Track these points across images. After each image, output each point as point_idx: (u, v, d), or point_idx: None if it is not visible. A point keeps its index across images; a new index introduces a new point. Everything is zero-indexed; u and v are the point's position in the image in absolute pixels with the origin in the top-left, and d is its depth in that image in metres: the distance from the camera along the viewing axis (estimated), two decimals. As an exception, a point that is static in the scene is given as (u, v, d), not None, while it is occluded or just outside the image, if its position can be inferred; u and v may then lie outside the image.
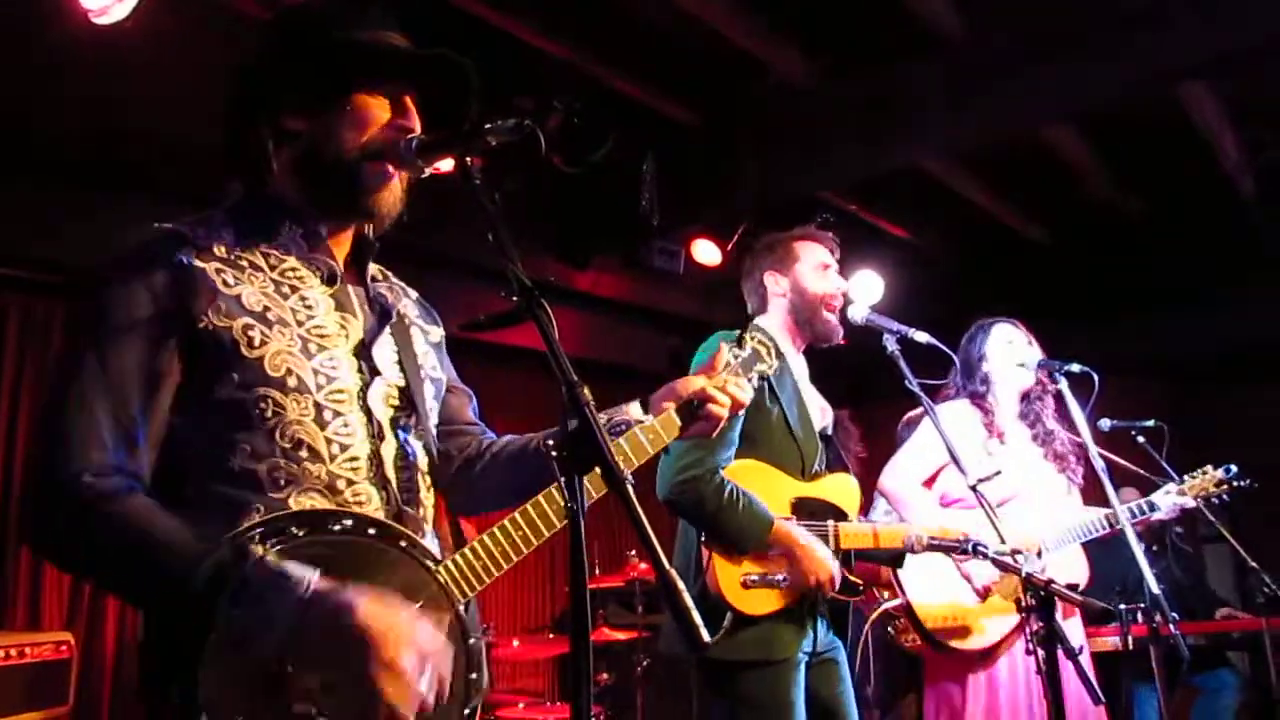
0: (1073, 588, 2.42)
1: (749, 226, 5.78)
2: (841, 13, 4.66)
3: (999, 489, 3.22)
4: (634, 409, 1.84)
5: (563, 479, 1.28)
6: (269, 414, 1.48)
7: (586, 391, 1.31)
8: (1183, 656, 3.05)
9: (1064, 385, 3.42)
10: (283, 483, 1.48)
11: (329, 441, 1.52)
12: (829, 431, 3.14)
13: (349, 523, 1.47)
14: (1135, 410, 4.10)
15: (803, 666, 2.79)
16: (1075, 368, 3.47)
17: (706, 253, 6.06)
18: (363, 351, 1.61)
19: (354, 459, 1.54)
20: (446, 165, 1.56)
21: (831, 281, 3.09)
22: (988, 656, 3.39)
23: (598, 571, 5.62)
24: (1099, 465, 3.30)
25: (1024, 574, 2.46)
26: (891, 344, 3.01)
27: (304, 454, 1.49)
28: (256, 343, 1.48)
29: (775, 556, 2.75)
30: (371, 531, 1.49)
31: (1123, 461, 3.55)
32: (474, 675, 1.54)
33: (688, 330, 6.75)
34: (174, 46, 3.69)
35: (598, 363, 6.44)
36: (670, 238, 5.90)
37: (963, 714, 3.38)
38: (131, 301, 1.45)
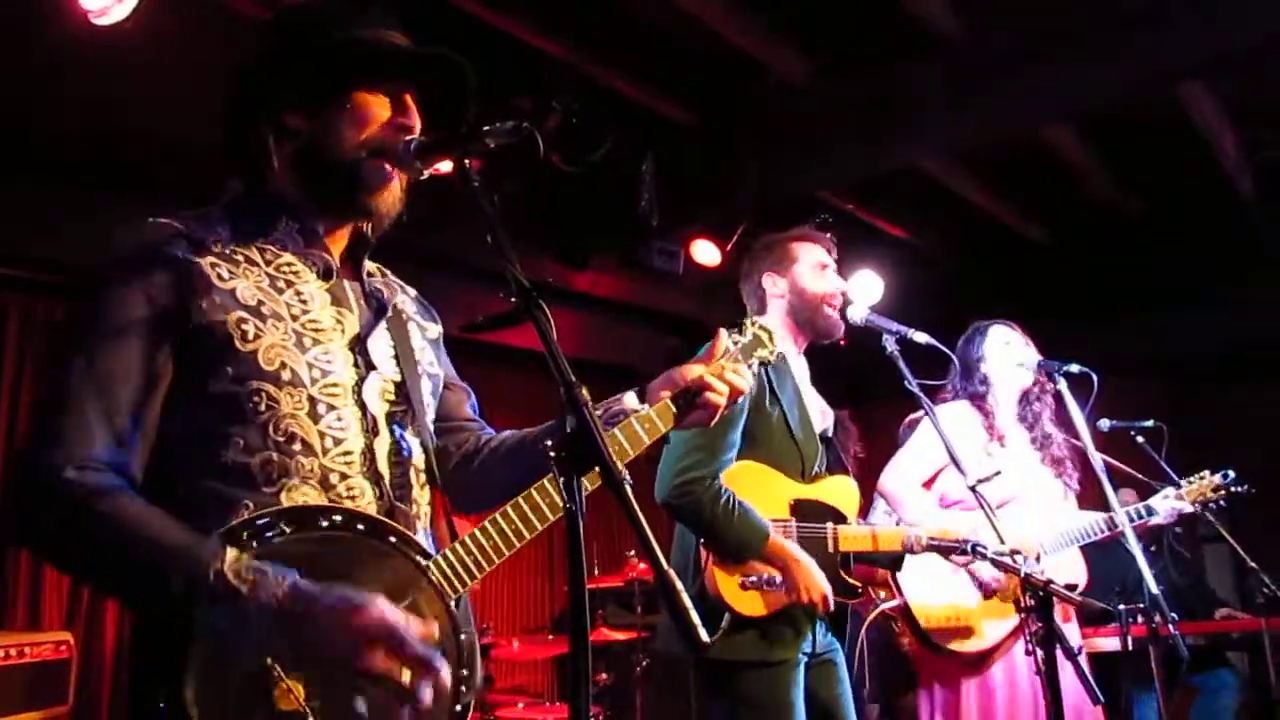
0: (1071, 589, 2.42)
1: (748, 227, 5.78)
2: (840, 13, 4.66)
3: (998, 491, 3.22)
4: (630, 399, 1.81)
5: (561, 480, 1.27)
6: (262, 407, 1.48)
7: (585, 392, 1.31)
8: (1182, 657, 3.05)
9: (1063, 386, 3.43)
10: (275, 476, 1.47)
11: (322, 435, 1.51)
12: (830, 434, 3.14)
13: (338, 518, 1.46)
14: (1135, 410, 4.10)
15: (802, 667, 2.78)
16: (1074, 368, 3.48)
17: (706, 253, 6.06)
18: (358, 346, 1.61)
19: (347, 453, 1.53)
20: (445, 166, 1.56)
21: (830, 281, 3.09)
22: (985, 659, 3.39)
23: (597, 571, 5.62)
24: (1098, 466, 3.30)
25: (1023, 574, 2.46)
26: (891, 344, 3.01)
27: (297, 447, 1.49)
28: (250, 336, 1.48)
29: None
30: (361, 527, 1.48)
31: (1118, 464, 3.55)
32: (465, 671, 1.53)
33: (687, 330, 6.76)
34: (174, 46, 3.69)
35: (597, 363, 6.44)
36: (669, 238, 5.90)
37: (959, 716, 3.38)
38: (125, 303, 1.45)
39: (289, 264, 1.59)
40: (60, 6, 3.36)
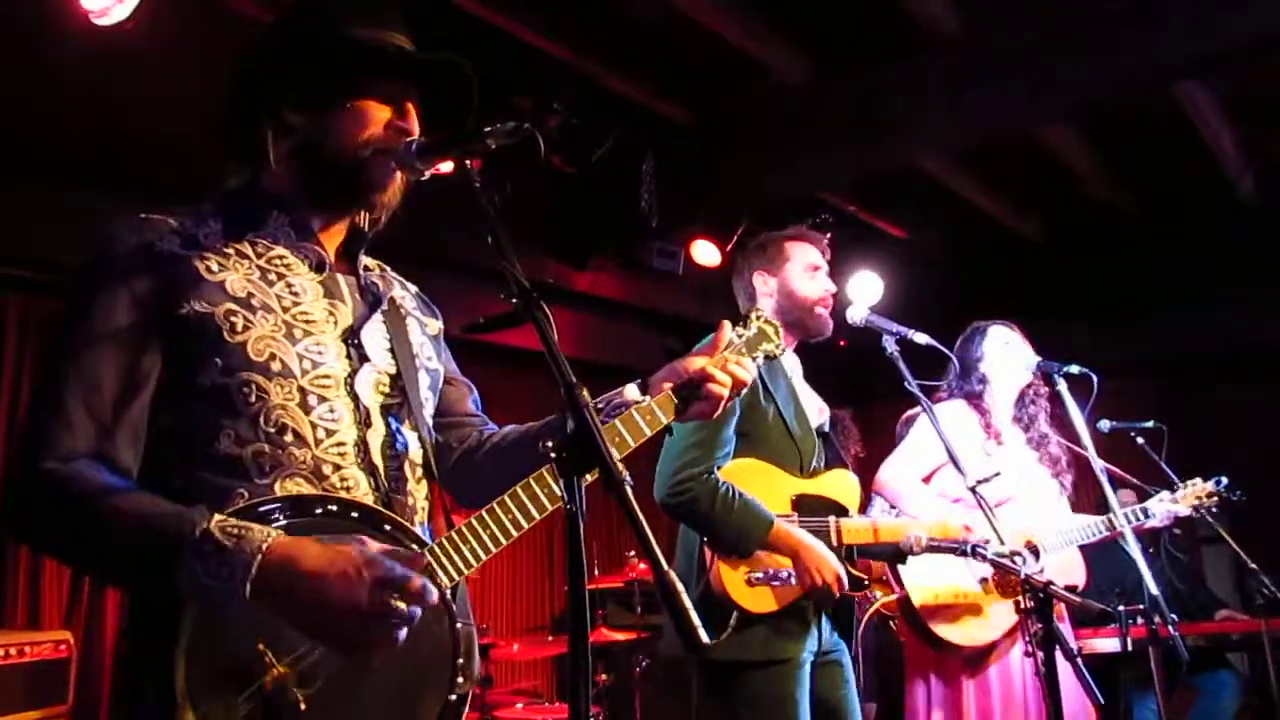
0: (1070, 590, 2.42)
1: (748, 227, 5.79)
2: (840, 13, 4.67)
3: (997, 490, 3.22)
4: (632, 390, 1.80)
5: (562, 480, 1.27)
6: (252, 399, 1.47)
7: (585, 393, 1.31)
8: (1182, 658, 3.05)
9: (1063, 387, 3.43)
10: (267, 468, 1.47)
11: (314, 426, 1.51)
12: (826, 428, 3.13)
13: (333, 507, 1.47)
14: (1135, 411, 4.11)
15: (807, 666, 2.78)
16: (1074, 369, 3.48)
17: (706, 253, 6.06)
18: (351, 338, 1.60)
19: (340, 444, 1.53)
20: (446, 167, 1.56)
21: (819, 283, 3.08)
22: (983, 658, 3.39)
23: (597, 572, 5.62)
24: (1098, 467, 3.31)
25: (1022, 575, 2.46)
26: (891, 345, 3.02)
27: (289, 439, 1.49)
28: (239, 328, 1.48)
29: (778, 556, 2.75)
30: (355, 515, 1.48)
31: (1113, 467, 3.55)
32: (462, 661, 1.52)
33: (686, 331, 6.75)
34: (175, 47, 3.69)
35: (596, 363, 6.44)
36: (669, 238, 5.90)
37: (960, 711, 3.38)
38: (113, 303, 1.45)
39: (280, 256, 1.59)
40: (61, 7, 3.36)
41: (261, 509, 1.41)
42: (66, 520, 1.38)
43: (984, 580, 3.38)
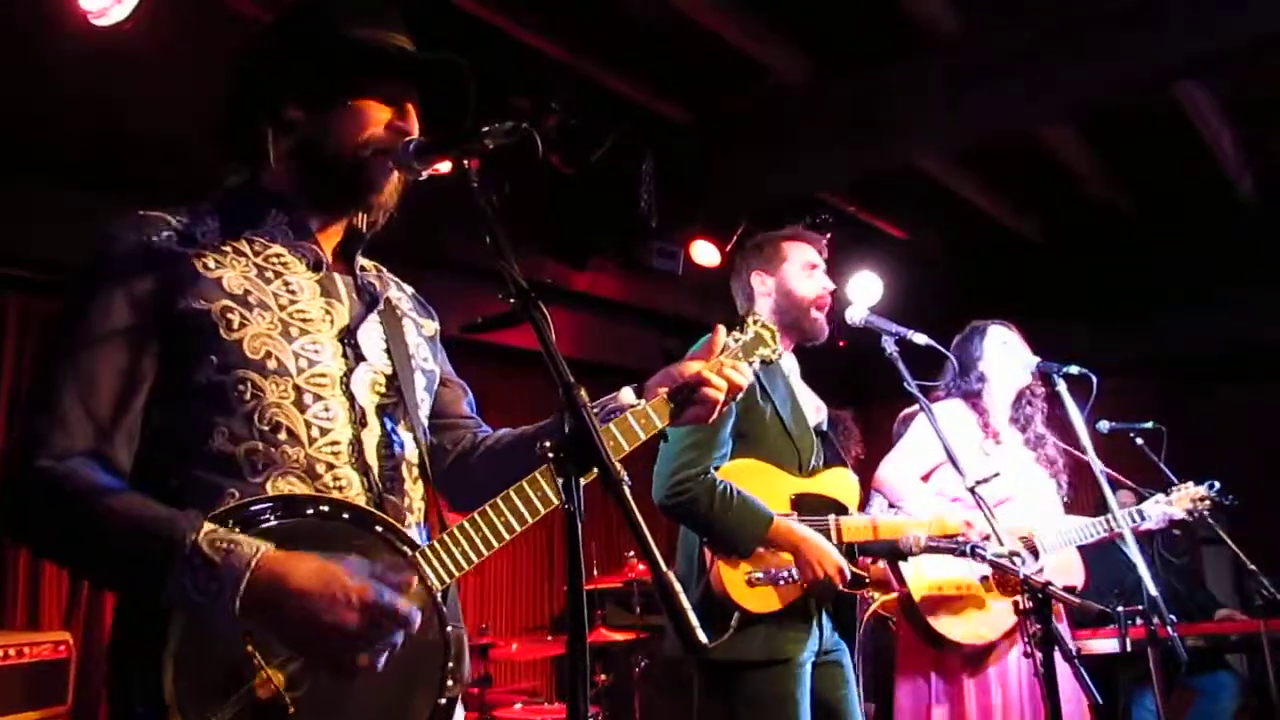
0: (1069, 590, 2.42)
1: (747, 227, 5.78)
2: (839, 13, 4.66)
3: (996, 490, 3.22)
4: (627, 394, 1.80)
5: (560, 481, 1.27)
6: (248, 396, 1.47)
7: (583, 393, 1.31)
8: (1180, 659, 3.05)
9: (1062, 387, 3.43)
10: (260, 466, 1.47)
11: (308, 425, 1.51)
12: (824, 427, 3.13)
13: (325, 508, 1.46)
14: (1134, 411, 4.10)
15: (808, 666, 2.78)
16: (1074, 369, 3.49)
17: (705, 253, 6.06)
18: (347, 337, 1.60)
19: (334, 443, 1.53)
20: (444, 167, 1.56)
21: (817, 282, 3.08)
22: (983, 658, 3.38)
23: (596, 572, 5.62)
24: (1097, 468, 3.31)
25: (1021, 576, 2.46)
26: (890, 345, 3.02)
27: (282, 437, 1.49)
28: (235, 325, 1.48)
29: (779, 553, 2.75)
30: (346, 516, 1.48)
31: (1110, 470, 3.55)
32: (452, 665, 1.52)
33: (686, 331, 6.74)
34: (175, 47, 3.69)
35: (596, 363, 6.44)
36: (669, 238, 5.90)
37: (962, 708, 3.37)
38: (110, 302, 1.45)
39: (278, 255, 1.59)
40: (60, 7, 3.35)
41: (251, 508, 1.41)
42: (59, 522, 1.39)
43: (985, 578, 3.38)
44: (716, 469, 2.78)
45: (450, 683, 1.52)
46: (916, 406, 2.96)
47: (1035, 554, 3.41)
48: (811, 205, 5.66)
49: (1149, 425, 3.96)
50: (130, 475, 1.46)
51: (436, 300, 1.92)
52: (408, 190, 1.67)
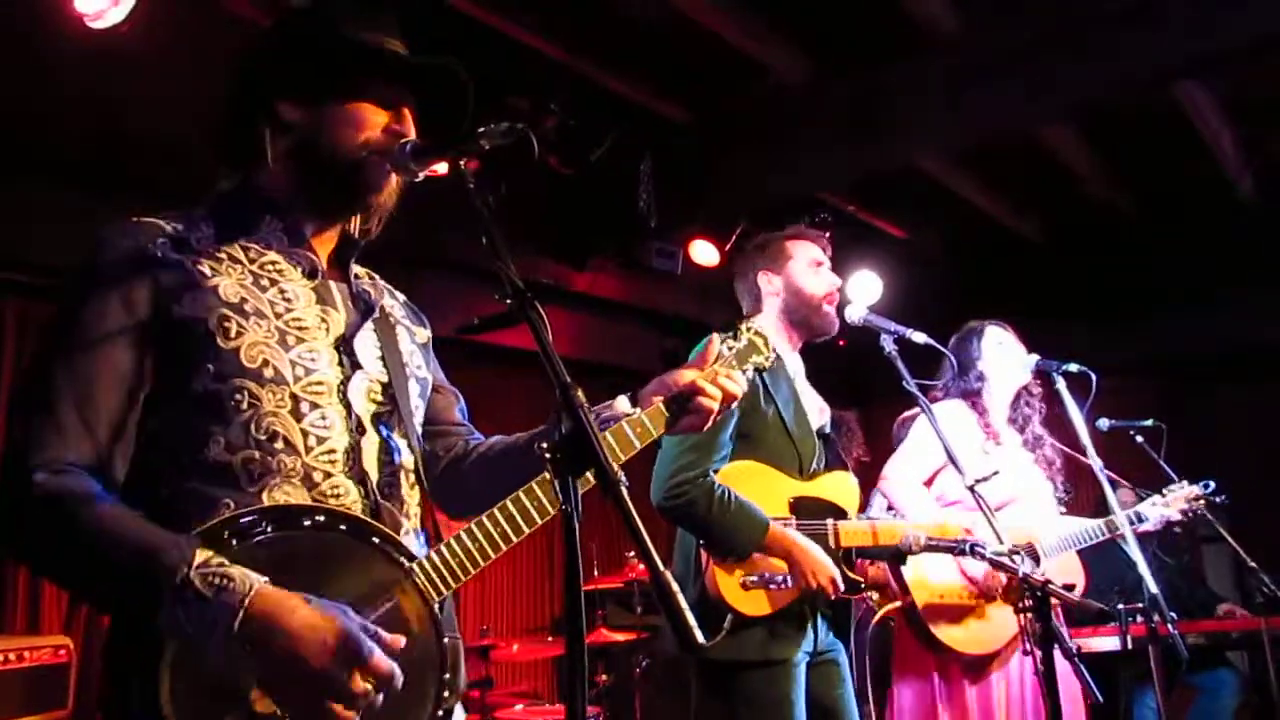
0: (1068, 589, 2.42)
1: (747, 227, 5.78)
2: (839, 13, 4.66)
3: (998, 492, 3.22)
4: (622, 403, 1.81)
5: (557, 481, 1.27)
6: (244, 405, 1.47)
7: (580, 393, 1.31)
8: (1181, 656, 3.05)
9: (1062, 386, 3.43)
10: (257, 475, 1.46)
11: (305, 434, 1.50)
12: (827, 430, 3.13)
13: (321, 518, 1.45)
14: (1135, 411, 4.11)
15: (803, 667, 2.78)
16: (1073, 368, 3.49)
17: (704, 253, 6.06)
18: (343, 345, 1.60)
19: (331, 451, 1.52)
20: (441, 168, 1.56)
21: (824, 278, 3.10)
22: (986, 664, 3.38)
23: (596, 572, 5.62)
24: (1097, 467, 3.31)
25: (1020, 574, 2.46)
26: (889, 344, 3.02)
27: (279, 446, 1.48)
28: (232, 334, 1.48)
29: (774, 559, 2.75)
30: (343, 527, 1.47)
31: (1105, 472, 3.55)
32: (449, 675, 1.52)
33: (685, 331, 6.76)
34: (174, 48, 3.69)
35: (595, 363, 6.44)
36: (668, 238, 5.89)
37: (964, 709, 3.37)
38: (105, 309, 1.45)
39: (273, 262, 1.59)
40: (56, 9, 3.35)
41: (245, 520, 1.40)
42: (53, 545, 1.38)
43: (977, 589, 3.38)
44: (716, 471, 2.78)
45: (447, 694, 1.52)
46: (916, 409, 2.96)
47: (1036, 560, 3.40)
48: (811, 205, 5.66)
49: (1149, 423, 3.96)
50: (125, 482, 1.45)
51: (434, 301, 1.92)
52: (405, 192, 1.67)
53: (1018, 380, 3.69)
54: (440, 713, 1.50)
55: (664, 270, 5.95)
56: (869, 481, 3.60)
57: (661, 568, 1.20)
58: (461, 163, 1.47)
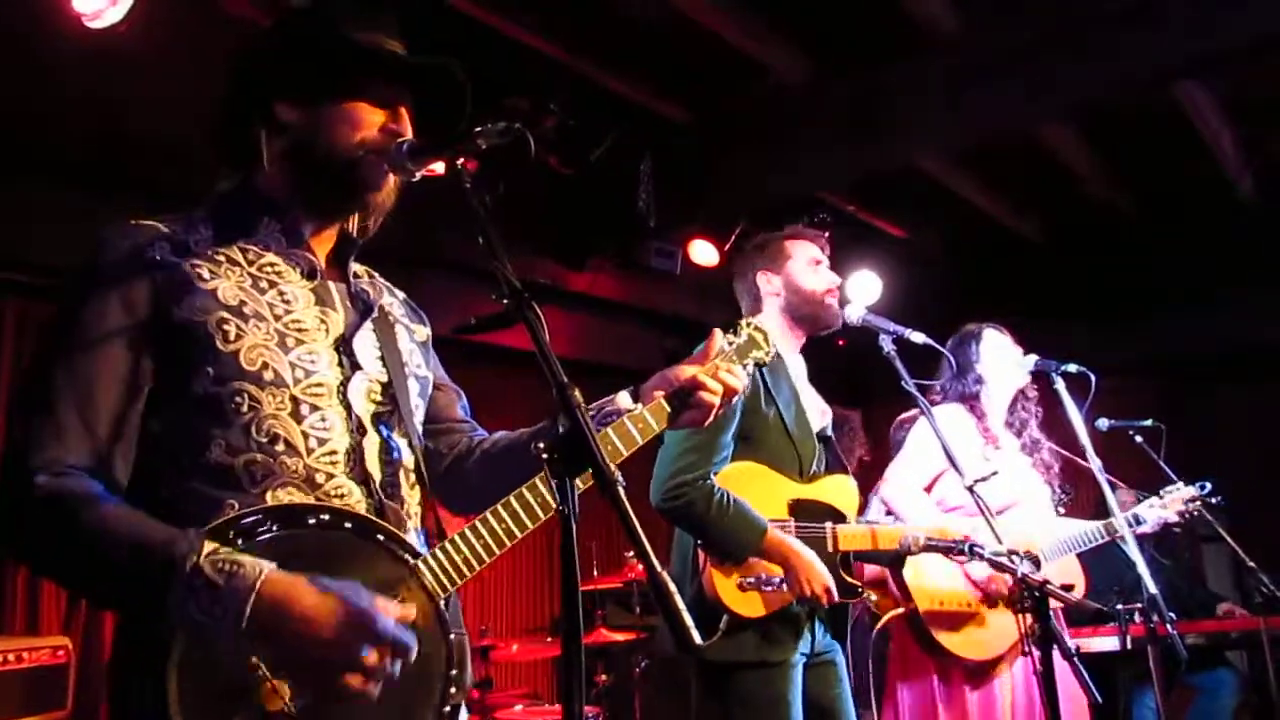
0: (1067, 589, 2.42)
1: (746, 227, 5.78)
2: (839, 12, 4.66)
3: (997, 496, 3.21)
4: (624, 398, 1.81)
5: (554, 482, 1.27)
6: (244, 408, 1.47)
7: (577, 393, 1.31)
8: (1180, 656, 3.05)
9: (1061, 386, 3.43)
10: (259, 477, 1.47)
11: (306, 435, 1.50)
12: (828, 432, 3.13)
13: (326, 517, 1.46)
14: (1135, 411, 4.11)
15: (800, 668, 2.78)
16: (1072, 368, 3.49)
17: (704, 253, 6.06)
18: (343, 346, 1.60)
19: (332, 453, 1.53)
20: (438, 168, 1.56)
21: (824, 276, 3.10)
22: (988, 670, 3.37)
23: (596, 572, 5.61)
24: (1097, 467, 3.31)
25: (1019, 575, 2.46)
26: (888, 345, 3.02)
27: (280, 448, 1.48)
28: (232, 337, 1.48)
29: (771, 562, 2.75)
30: (348, 525, 1.47)
31: (1104, 474, 3.55)
32: (455, 672, 1.52)
33: (685, 331, 6.76)
34: (175, 48, 3.69)
35: (594, 363, 6.44)
36: (667, 238, 5.89)
37: (964, 714, 3.37)
38: (104, 310, 1.45)
39: (272, 264, 1.59)
40: (55, 9, 3.35)
41: (250, 519, 1.41)
42: (55, 543, 1.38)
43: (979, 593, 3.38)
44: (716, 473, 2.78)
45: (454, 690, 1.52)
46: (913, 411, 2.96)
47: (1037, 564, 3.40)
48: (811, 205, 5.66)
49: (1148, 423, 3.96)
50: (127, 483, 1.45)
51: (432, 300, 1.92)
52: (403, 192, 1.67)
53: (1016, 384, 3.69)
54: (447, 709, 1.51)
55: (663, 270, 5.95)
56: (870, 484, 3.60)
57: (659, 568, 1.20)
58: (459, 162, 1.48)
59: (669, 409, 1.76)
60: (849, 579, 2.84)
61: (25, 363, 4.82)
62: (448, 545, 1.55)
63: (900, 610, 3.40)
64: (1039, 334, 3.86)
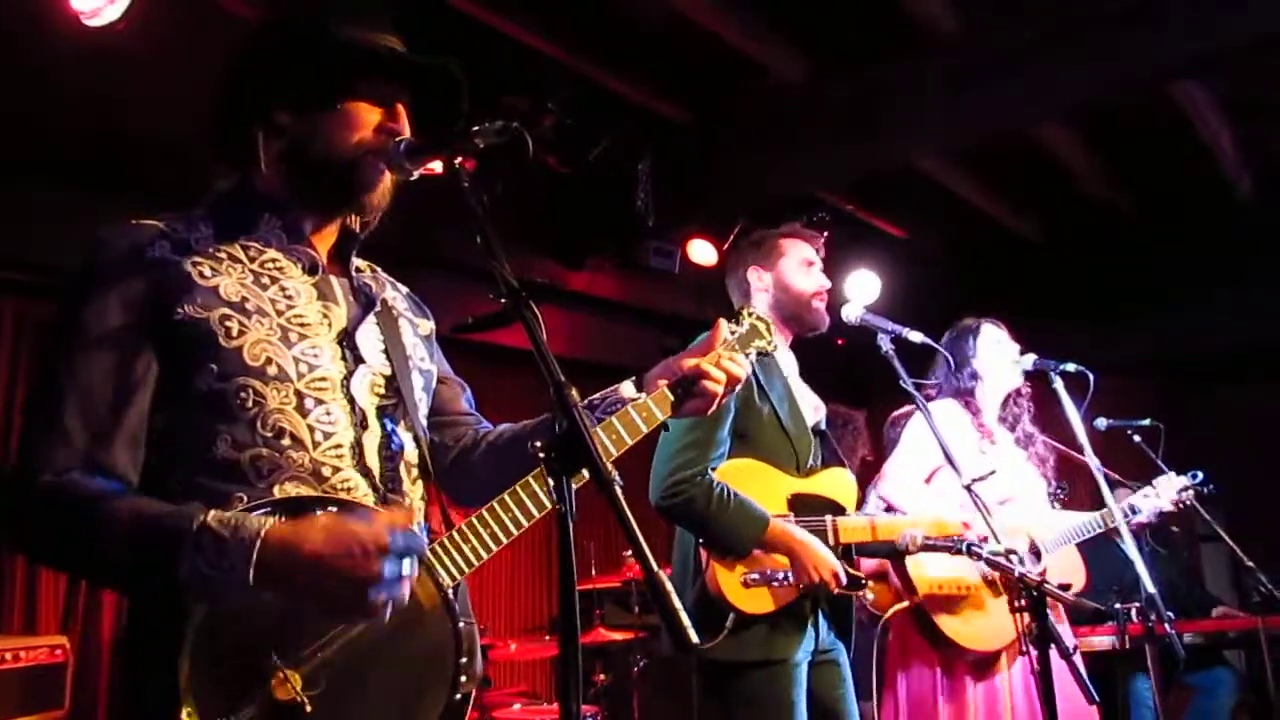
0: (1065, 589, 2.42)
1: (745, 226, 5.78)
2: (838, 13, 4.66)
3: (994, 491, 3.21)
4: (628, 388, 1.82)
5: (551, 481, 1.28)
6: (249, 404, 1.48)
7: (574, 392, 1.32)
8: (1178, 655, 3.05)
9: (1059, 385, 3.43)
10: (266, 471, 1.48)
11: (311, 429, 1.51)
12: (822, 427, 3.13)
13: (334, 509, 1.47)
14: (1134, 410, 4.10)
15: (804, 666, 2.78)
16: (1070, 367, 3.48)
17: (702, 252, 6.06)
18: (346, 340, 1.61)
19: (337, 446, 1.54)
20: (436, 167, 1.56)
21: (814, 278, 3.10)
22: (990, 663, 3.37)
23: (594, 572, 5.61)
24: (1094, 465, 3.31)
25: (1017, 574, 2.46)
26: (886, 344, 3.02)
27: (286, 442, 1.49)
28: (235, 333, 1.49)
29: (775, 555, 2.75)
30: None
31: (1102, 470, 3.54)
32: (465, 660, 1.53)
33: (684, 330, 6.75)
34: (174, 47, 3.69)
35: (593, 363, 6.43)
36: (666, 237, 5.90)
37: (964, 704, 3.36)
38: (105, 310, 1.46)
39: (273, 260, 1.60)
40: (52, 8, 3.35)
41: (259, 512, 1.41)
42: (63, 525, 1.39)
43: (987, 578, 3.37)
44: (714, 469, 2.78)
45: (464, 678, 1.53)
46: (907, 408, 2.96)
47: (1037, 555, 3.40)
48: (810, 205, 5.66)
49: (1146, 422, 3.96)
50: (132, 480, 1.46)
51: (430, 300, 1.92)
52: (400, 190, 1.67)
53: (1012, 380, 3.69)
54: (458, 696, 1.52)
55: (662, 270, 5.95)
56: (871, 481, 3.60)
57: (655, 567, 1.20)
58: (457, 161, 1.48)
59: (672, 398, 1.78)
60: (852, 571, 2.83)
61: (25, 362, 4.83)
62: (455, 535, 1.56)
63: (905, 604, 3.40)
64: (1038, 334, 3.85)
